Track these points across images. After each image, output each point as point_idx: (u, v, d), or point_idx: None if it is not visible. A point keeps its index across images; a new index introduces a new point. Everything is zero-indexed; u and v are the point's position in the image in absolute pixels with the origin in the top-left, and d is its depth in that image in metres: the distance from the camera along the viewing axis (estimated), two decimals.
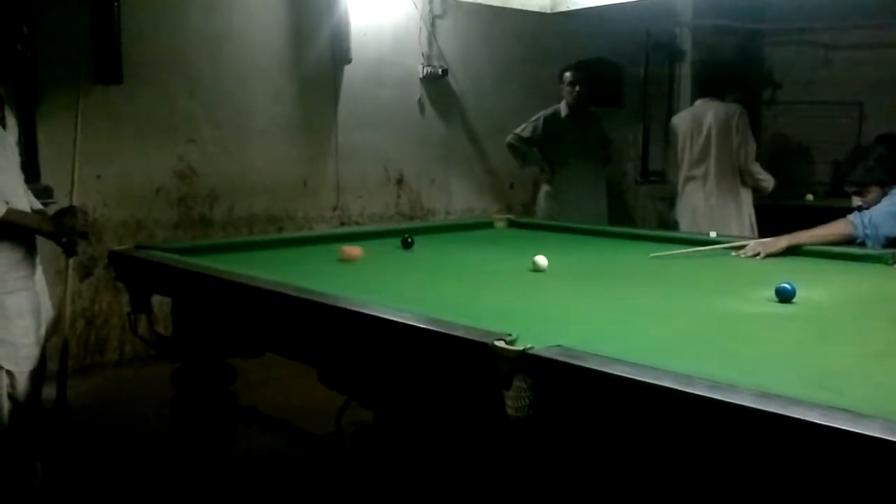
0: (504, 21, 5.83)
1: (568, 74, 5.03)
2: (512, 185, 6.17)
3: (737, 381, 1.37)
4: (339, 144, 5.39)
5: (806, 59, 7.02)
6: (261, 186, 5.07)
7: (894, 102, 6.40)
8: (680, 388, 1.33)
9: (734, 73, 6.66)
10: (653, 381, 1.37)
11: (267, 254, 3.05)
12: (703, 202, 4.83)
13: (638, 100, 6.92)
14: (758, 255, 2.91)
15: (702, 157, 4.83)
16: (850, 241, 3.00)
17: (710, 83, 5.03)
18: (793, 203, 5.47)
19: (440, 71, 5.73)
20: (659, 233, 3.81)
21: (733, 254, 3.00)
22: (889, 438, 1.10)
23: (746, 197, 4.87)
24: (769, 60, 7.40)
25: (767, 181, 4.88)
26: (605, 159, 5.25)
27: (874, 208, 3.02)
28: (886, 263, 2.73)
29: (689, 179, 4.91)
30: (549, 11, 3.92)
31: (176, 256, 2.76)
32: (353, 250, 2.86)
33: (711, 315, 2.10)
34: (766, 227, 4.65)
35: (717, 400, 1.28)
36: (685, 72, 6.92)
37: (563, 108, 5.04)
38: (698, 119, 4.84)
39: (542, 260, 2.67)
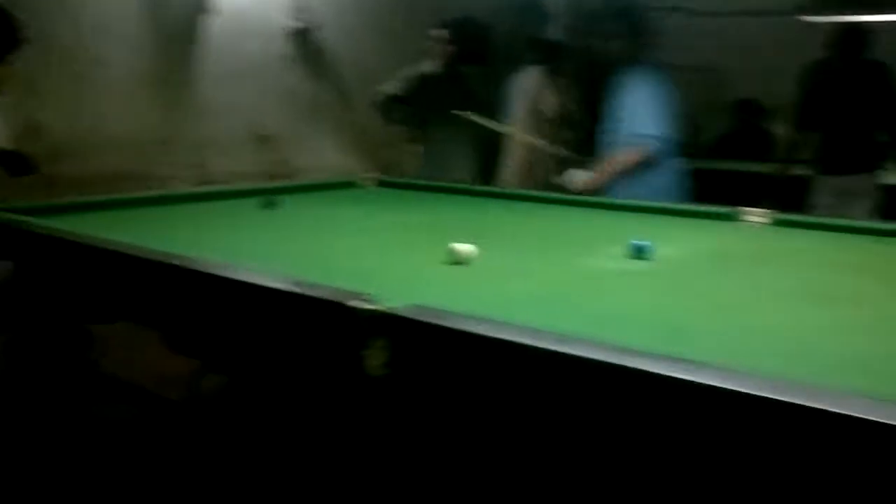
0: None
1: (440, 32, 4.98)
2: (383, 144, 6.10)
3: (590, 335, 1.39)
4: (201, 99, 5.17)
5: (667, 23, 7.21)
6: (117, 143, 4.80)
7: (750, 67, 6.67)
8: (529, 343, 1.34)
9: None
10: (503, 337, 1.37)
11: (118, 214, 2.89)
12: None
13: (506, 60, 6.93)
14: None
15: None
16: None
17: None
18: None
19: (308, 25, 5.57)
20: (528, 191, 3.86)
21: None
22: (723, 386, 1.14)
23: None
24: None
25: None
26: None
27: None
28: (734, 220, 2.85)
29: None
30: None
31: (19, 217, 2.58)
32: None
33: (569, 272, 2.14)
34: None
35: (564, 353, 1.30)
36: (557, 33, 6.98)
37: (433, 65, 4.99)
38: None
39: (465, 249, 2.13)
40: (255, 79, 5.42)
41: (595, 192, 3.43)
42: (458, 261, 2.07)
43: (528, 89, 5.40)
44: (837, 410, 1.05)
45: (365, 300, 1.55)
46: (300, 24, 5.54)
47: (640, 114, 3.41)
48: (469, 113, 3.95)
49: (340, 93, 5.91)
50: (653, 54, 3.81)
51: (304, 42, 5.63)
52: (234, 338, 1.88)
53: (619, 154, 3.63)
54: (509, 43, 6.86)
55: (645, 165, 3.48)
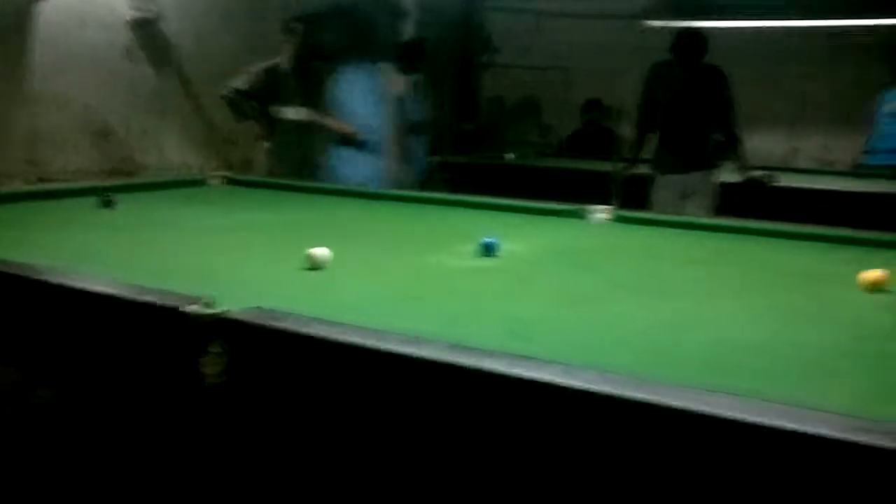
0: None
1: (291, 26, 4.88)
2: (232, 141, 5.91)
3: (436, 334, 1.38)
4: (34, 91, 4.84)
5: (520, 25, 7.36)
6: None
7: (597, 69, 6.90)
8: (374, 345, 1.31)
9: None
10: (347, 339, 1.34)
11: None
12: None
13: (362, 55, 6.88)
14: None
15: None
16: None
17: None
18: (494, 162, 5.73)
19: (151, 15, 5.32)
20: (382, 190, 3.83)
21: None
22: (566, 382, 1.15)
23: None
24: (488, 24, 7.68)
25: None
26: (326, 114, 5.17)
27: None
28: (580, 217, 2.93)
29: None
30: None
31: None
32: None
33: (419, 270, 2.13)
34: (466, 182, 4.95)
35: (408, 354, 1.28)
36: (409, 32, 6.99)
37: (283, 60, 4.88)
38: None
39: (320, 253, 2.03)
40: (95, 70, 5.13)
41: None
42: (313, 266, 2.01)
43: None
44: (674, 404, 1.08)
45: (201, 304, 1.47)
46: (141, 14, 5.29)
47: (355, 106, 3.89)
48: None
49: (187, 87, 5.68)
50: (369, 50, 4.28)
51: (147, 33, 5.38)
52: (63, 347, 1.75)
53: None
54: (364, 39, 6.82)
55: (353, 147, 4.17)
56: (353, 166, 4.75)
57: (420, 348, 1.29)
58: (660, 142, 4.54)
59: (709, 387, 1.13)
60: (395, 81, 5.50)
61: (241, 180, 3.88)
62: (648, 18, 6.10)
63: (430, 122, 6.17)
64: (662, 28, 5.52)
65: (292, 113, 4.29)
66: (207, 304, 1.49)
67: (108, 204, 2.88)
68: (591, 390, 1.13)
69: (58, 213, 2.66)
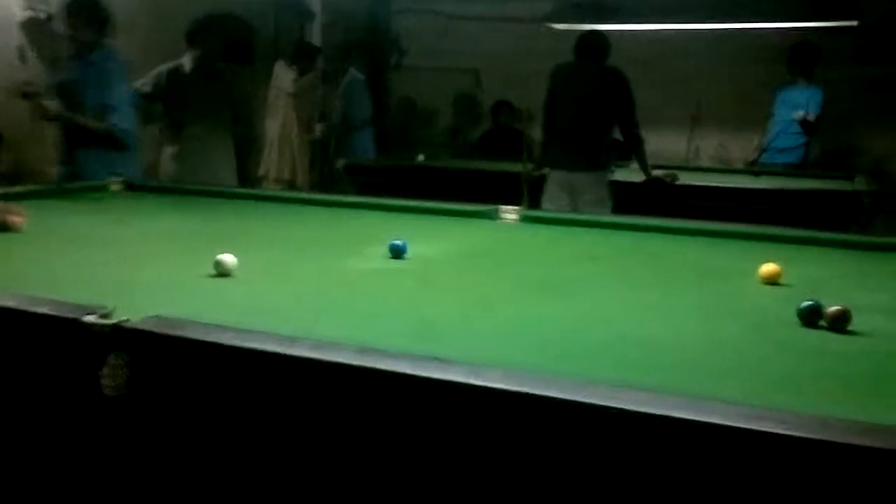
0: None
1: (196, 29, 4.78)
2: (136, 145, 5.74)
3: (346, 338, 1.37)
4: None
5: (429, 27, 7.39)
6: None
7: (507, 71, 6.98)
8: (283, 351, 1.30)
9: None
10: (255, 346, 1.31)
11: None
12: None
13: (270, 58, 6.80)
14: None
15: None
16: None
17: None
18: (404, 163, 5.75)
19: (44, 15, 5.12)
20: (290, 193, 3.79)
21: None
22: (471, 382, 1.16)
23: None
24: (395, 27, 7.68)
25: None
26: (233, 119, 5.08)
27: None
28: (490, 218, 2.96)
29: None
30: None
31: None
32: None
33: (328, 274, 2.11)
34: (376, 185, 4.96)
35: (319, 359, 1.27)
36: (316, 32, 6.94)
37: (186, 62, 4.77)
38: None
39: (228, 260, 1.99)
40: None
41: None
42: (220, 272, 1.97)
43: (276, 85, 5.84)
44: (577, 399, 1.10)
45: (98, 315, 1.43)
46: (34, 14, 5.08)
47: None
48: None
49: None
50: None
51: (41, 33, 5.18)
52: None
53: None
54: (274, 41, 6.75)
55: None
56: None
57: (326, 353, 1.28)
58: (555, 137, 4.60)
59: (616, 383, 1.16)
60: (284, 78, 5.63)
61: (143, 185, 3.77)
62: (554, 22, 6.21)
63: (371, 119, 6.32)
64: (568, 31, 5.63)
65: (53, 106, 4.15)
66: (105, 315, 1.44)
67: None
68: (497, 388, 1.14)
69: None
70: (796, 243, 2.59)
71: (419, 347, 1.34)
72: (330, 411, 1.29)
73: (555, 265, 2.33)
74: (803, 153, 5.50)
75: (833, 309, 1.62)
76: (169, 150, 4.79)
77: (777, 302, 1.87)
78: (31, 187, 3.62)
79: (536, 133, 4.98)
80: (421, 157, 5.78)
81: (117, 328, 1.40)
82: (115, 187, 3.62)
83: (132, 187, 3.67)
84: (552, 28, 6.15)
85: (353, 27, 7.35)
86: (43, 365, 1.53)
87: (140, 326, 1.39)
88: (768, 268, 2.02)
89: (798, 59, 5.48)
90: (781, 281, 2.03)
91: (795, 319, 1.67)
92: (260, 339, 1.34)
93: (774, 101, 5.69)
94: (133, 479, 1.49)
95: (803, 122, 5.34)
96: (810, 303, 1.65)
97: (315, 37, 6.85)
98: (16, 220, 2.56)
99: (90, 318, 1.42)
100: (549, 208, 4.33)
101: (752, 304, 1.91)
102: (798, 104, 5.40)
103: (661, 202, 4.40)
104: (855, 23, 5.29)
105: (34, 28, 5.14)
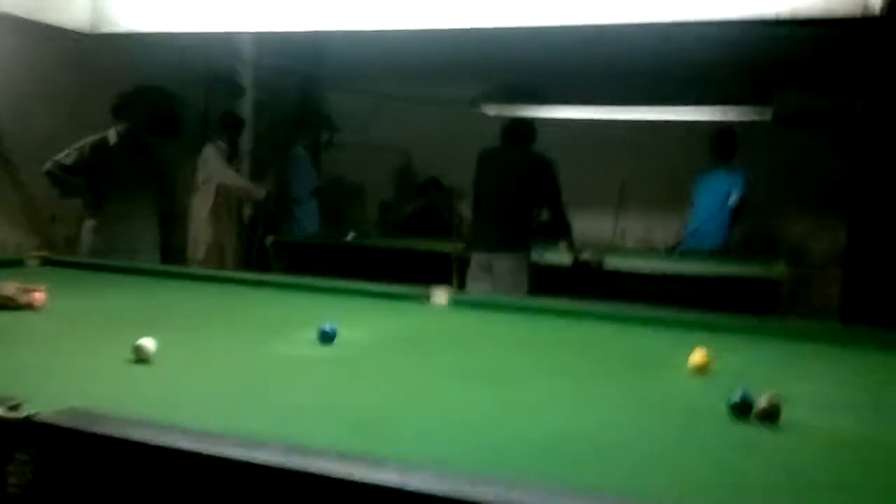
0: (49, 39, 5.24)
1: (122, 101, 4.72)
2: (53, 218, 5.57)
3: (272, 432, 1.31)
4: None
5: (361, 106, 7.45)
6: None
7: (434, 150, 7.06)
8: (203, 450, 1.22)
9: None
10: (172, 444, 1.24)
11: None
12: None
13: (198, 131, 6.74)
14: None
15: None
16: None
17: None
18: (332, 241, 5.76)
19: None
20: (215, 272, 3.70)
21: None
22: (403, 485, 1.11)
23: None
24: (327, 104, 7.73)
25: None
26: (160, 192, 4.99)
27: None
28: (421, 301, 2.93)
29: None
30: (89, 31, 3.57)
31: None
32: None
33: (254, 360, 2.04)
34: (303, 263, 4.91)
35: (241, 459, 1.20)
36: (247, 108, 6.92)
37: (112, 135, 4.68)
38: None
39: (147, 345, 1.89)
40: None
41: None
42: (141, 358, 1.88)
43: (203, 161, 5.80)
44: (508, 500, 1.06)
45: (5, 407, 1.33)
46: None
47: None
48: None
49: (6, 161, 5.32)
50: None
51: None
52: None
53: None
54: (204, 115, 6.70)
55: None
56: None
57: (249, 451, 1.22)
58: (478, 219, 4.64)
59: (546, 478, 1.13)
60: (212, 153, 5.61)
61: (62, 261, 3.64)
62: (483, 103, 6.33)
63: (316, 191, 6.34)
64: (496, 115, 5.75)
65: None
66: (13, 407, 1.35)
67: None
68: (430, 492, 1.10)
69: None
70: (721, 331, 2.62)
71: (350, 444, 1.29)
72: None
73: (485, 353, 2.30)
74: (726, 237, 5.67)
75: (764, 403, 1.62)
76: (89, 224, 4.66)
77: (707, 392, 1.87)
78: None
79: (465, 211, 5.02)
80: (351, 235, 5.76)
81: (26, 422, 1.31)
82: (32, 262, 3.49)
83: (48, 262, 3.54)
84: (480, 111, 6.27)
85: (282, 104, 7.36)
86: None
87: (50, 420, 1.31)
88: (697, 358, 2.04)
89: (719, 145, 5.69)
90: (710, 369, 2.05)
91: (726, 412, 1.67)
92: (176, 435, 1.26)
93: (696, 186, 5.87)
94: None
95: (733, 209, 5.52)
96: (739, 397, 1.65)
97: (245, 113, 6.83)
98: (37, 296, 2.49)
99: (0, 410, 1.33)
100: (472, 288, 4.33)
101: (683, 394, 1.91)
102: (720, 189, 5.58)
103: (587, 284, 4.46)
104: (769, 115, 5.54)
105: None
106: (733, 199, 5.51)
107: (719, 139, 5.71)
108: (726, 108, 5.75)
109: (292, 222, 6.42)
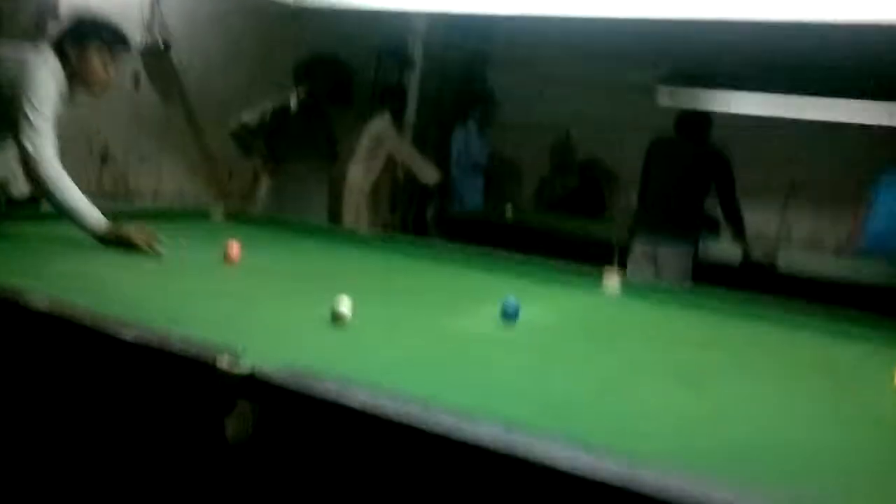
0: (237, 1, 5.50)
1: (303, 68, 4.88)
2: (231, 174, 5.85)
3: (480, 408, 1.32)
4: None
5: (525, 86, 7.39)
6: None
7: (595, 132, 6.94)
8: (421, 419, 1.24)
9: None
10: (394, 411, 1.26)
11: None
12: None
13: (367, 101, 6.89)
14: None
15: None
16: None
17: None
18: (492, 218, 5.75)
19: (162, 44, 5.28)
20: (383, 235, 3.77)
21: None
22: (630, 481, 1.09)
23: None
24: (490, 82, 7.71)
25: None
26: (331, 157, 5.15)
27: None
28: (596, 283, 2.87)
29: None
30: (292, 4, 3.71)
31: None
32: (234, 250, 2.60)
33: (441, 334, 2.06)
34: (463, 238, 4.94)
35: (464, 431, 1.21)
36: (414, 81, 7.01)
37: (293, 100, 4.86)
38: None
39: (346, 307, 1.94)
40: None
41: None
42: (337, 318, 1.94)
43: (374, 132, 5.69)
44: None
45: (233, 359, 1.40)
46: (154, 43, 5.25)
47: None
48: None
49: (191, 116, 5.63)
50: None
51: (158, 62, 5.34)
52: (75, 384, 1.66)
53: None
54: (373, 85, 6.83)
55: None
56: None
57: (470, 426, 1.22)
58: (644, 209, 4.53)
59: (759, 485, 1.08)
60: (387, 124, 5.62)
61: (242, 216, 3.80)
62: (657, 87, 6.13)
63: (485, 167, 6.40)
64: (667, 105, 5.56)
65: None
66: (235, 358, 1.41)
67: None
68: (657, 487, 1.07)
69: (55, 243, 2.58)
70: None
71: (557, 427, 1.28)
72: (466, 490, 1.23)
73: (673, 347, 2.23)
74: None
75: None
76: (266, 184, 4.86)
77: None
78: (138, 208, 3.70)
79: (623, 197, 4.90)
80: (509, 209, 5.76)
81: (250, 376, 1.37)
82: (216, 217, 3.66)
83: (232, 216, 3.70)
84: (653, 100, 6.08)
85: (448, 79, 7.40)
86: (164, 404, 1.51)
87: (275, 376, 1.36)
88: None
89: None
90: None
91: None
92: (399, 403, 1.29)
93: (877, 186, 5.50)
94: None
95: None
96: None
97: (412, 85, 6.92)
98: (234, 251, 2.63)
99: (224, 363, 1.39)
100: (633, 276, 4.23)
101: (890, 412, 1.80)
102: None
103: (755, 284, 4.26)
104: None
105: (151, 55, 5.30)
106: None
107: None
108: None
109: (455, 197, 6.46)
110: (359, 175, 5.77)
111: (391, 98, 6.00)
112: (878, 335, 2.48)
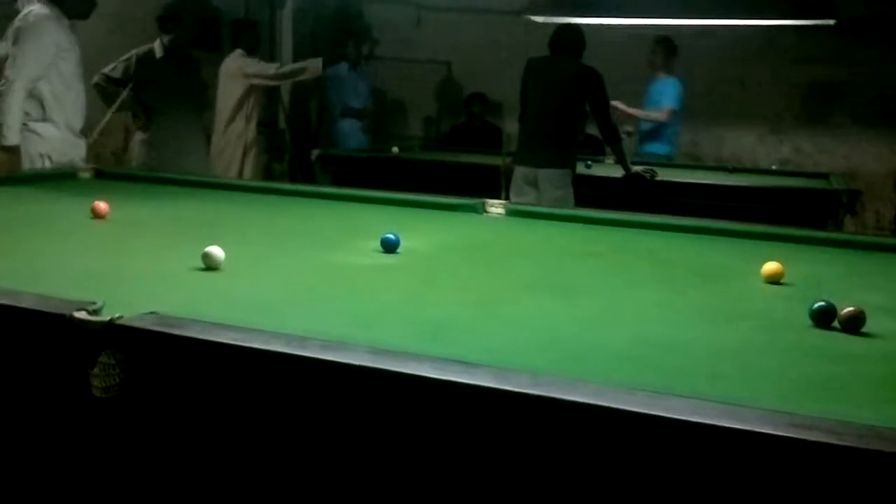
0: None
1: (166, 13, 4.65)
2: (101, 132, 5.56)
3: (352, 336, 1.31)
4: None
5: (401, 18, 7.28)
6: None
7: (478, 63, 6.92)
8: (292, 352, 1.22)
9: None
10: (262, 347, 1.24)
11: None
12: None
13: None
14: None
15: None
16: None
17: None
18: (378, 155, 5.65)
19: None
20: (262, 183, 3.69)
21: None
22: (499, 387, 1.10)
23: None
24: (367, 17, 7.56)
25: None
26: (202, 105, 4.96)
27: None
28: (477, 211, 2.89)
29: None
30: None
31: None
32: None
33: (321, 268, 2.04)
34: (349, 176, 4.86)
35: (331, 361, 1.20)
36: (286, 20, 6.80)
37: (158, 48, 4.63)
38: None
39: (216, 253, 1.89)
40: None
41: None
42: (209, 266, 1.88)
43: (228, 71, 5.27)
44: (616, 406, 1.05)
45: (91, 311, 1.34)
46: None
47: None
48: None
49: None
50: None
51: (9, 18, 4.98)
52: None
53: None
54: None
55: None
56: None
57: (338, 354, 1.21)
58: (523, 132, 4.54)
59: (648, 390, 1.10)
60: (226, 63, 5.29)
61: (112, 172, 3.65)
62: (528, 14, 6.12)
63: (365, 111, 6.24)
64: (545, 23, 5.54)
65: None
66: (96, 311, 1.36)
67: None
68: (526, 394, 1.09)
69: None
70: (788, 241, 2.57)
71: (431, 349, 1.28)
72: (338, 416, 1.22)
73: (552, 262, 2.27)
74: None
75: (848, 310, 1.58)
76: (139, 137, 4.66)
77: (784, 302, 1.84)
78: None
79: (509, 126, 4.91)
80: (395, 149, 5.69)
81: (110, 325, 1.31)
82: (84, 174, 3.50)
83: (101, 175, 3.55)
84: (530, 21, 6.06)
85: (322, 16, 7.22)
86: (25, 363, 1.44)
87: (136, 324, 1.31)
88: (772, 267, 1.99)
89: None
90: (783, 280, 2.00)
91: (805, 320, 1.63)
92: (265, 339, 1.26)
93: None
94: (123, 484, 1.41)
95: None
96: (824, 303, 1.61)
97: (285, 24, 6.71)
98: (101, 206, 2.51)
99: (81, 315, 1.33)
100: (517, 202, 4.25)
101: (760, 304, 1.88)
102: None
103: (640, 198, 4.36)
104: (832, 22, 5.27)
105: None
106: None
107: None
108: (785, 15, 5.45)
109: (337, 138, 6.35)
110: (240, 127, 5.44)
111: (241, 33, 5.57)
112: (746, 237, 2.59)
